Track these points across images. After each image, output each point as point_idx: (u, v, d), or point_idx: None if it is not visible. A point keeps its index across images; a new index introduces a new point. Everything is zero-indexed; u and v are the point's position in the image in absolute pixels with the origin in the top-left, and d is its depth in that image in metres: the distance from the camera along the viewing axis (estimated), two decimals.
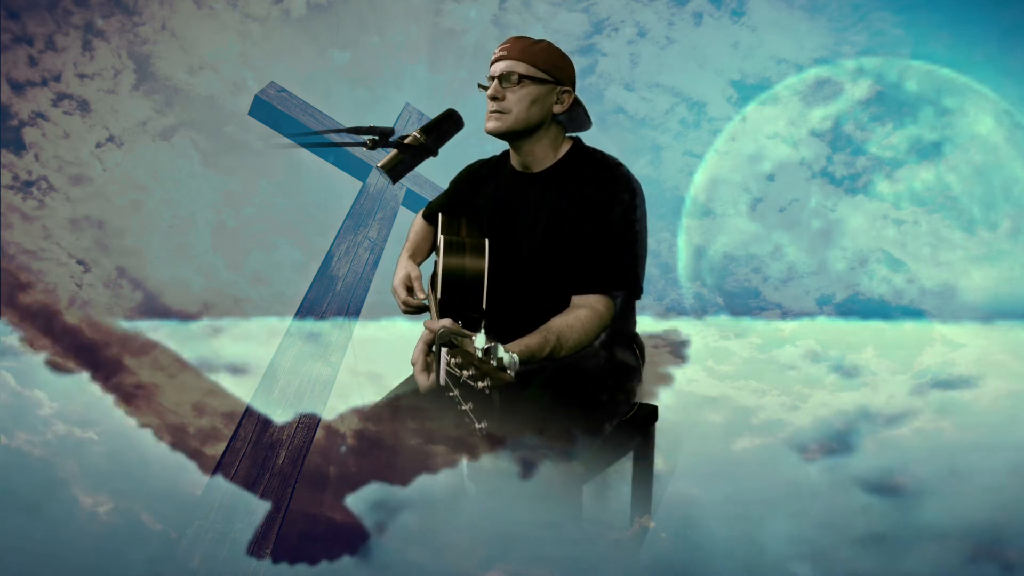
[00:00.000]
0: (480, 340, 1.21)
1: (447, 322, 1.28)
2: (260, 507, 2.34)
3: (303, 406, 2.85)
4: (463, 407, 1.18)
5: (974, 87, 5.81)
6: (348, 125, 1.71)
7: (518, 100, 1.73)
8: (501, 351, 1.20)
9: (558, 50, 1.80)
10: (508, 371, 1.18)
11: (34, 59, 5.40)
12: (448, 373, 1.20)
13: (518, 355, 1.23)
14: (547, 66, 1.74)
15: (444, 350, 1.22)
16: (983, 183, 5.79)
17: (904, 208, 6.00)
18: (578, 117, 1.89)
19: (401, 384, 1.94)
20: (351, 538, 1.78)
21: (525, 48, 1.75)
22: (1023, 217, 5.61)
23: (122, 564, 2.06)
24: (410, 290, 1.88)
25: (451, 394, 1.20)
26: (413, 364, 1.41)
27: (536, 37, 1.79)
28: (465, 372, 1.17)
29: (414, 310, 1.91)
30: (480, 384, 1.16)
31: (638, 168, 1.82)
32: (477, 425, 1.17)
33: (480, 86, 1.80)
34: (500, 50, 1.77)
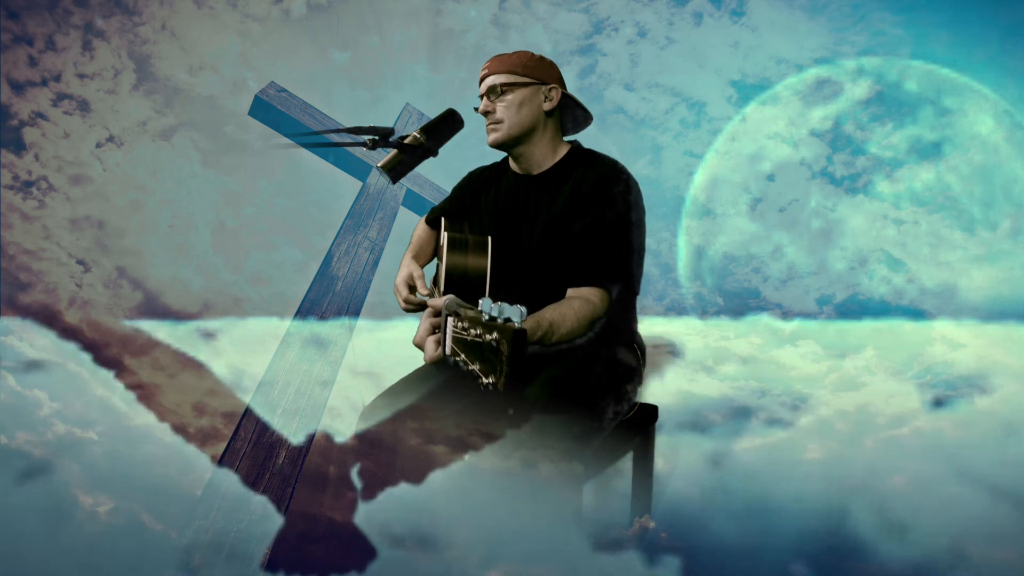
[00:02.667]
0: (485, 304, 1.23)
1: (451, 296, 1.30)
2: (260, 507, 2.34)
3: (303, 406, 2.85)
4: (470, 367, 1.20)
5: (974, 87, 5.81)
6: (348, 125, 1.72)
7: (507, 107, 1.83)
8: (507, 307, 1.22)
9: (534, 54, 1.89)
10: (514, 321, 1.20)
11: (34, 59, 5.40)
12: (455, 339, 1.23)
13: None
14: (525, 70, 1.85)
15: (451, 319, 1.24)
16: (983, 183, 5.79)
17: (904, 208, 5.99)
18: (575, 115, 1.94)
19: (399, 381, 1.94)
20: (352, 541, 1.78)
21: (502, 61, 1.86)
22: (1023, 217, 5.60)
23: (122, 564, 2.06)
24: (412, 288, 1.89)
25: (458, 359, 1.22)
26: (417, 344, 1.43)
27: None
28: (473, 331, 1.20)
29: (416, 308, 1.91)
30: (488, 337, 1.18)
31: (638, 168, 1.86)
32: (484, 380, 1.19)
33: (475, 109, 1.91)
34: (481, 71, 1.89)
